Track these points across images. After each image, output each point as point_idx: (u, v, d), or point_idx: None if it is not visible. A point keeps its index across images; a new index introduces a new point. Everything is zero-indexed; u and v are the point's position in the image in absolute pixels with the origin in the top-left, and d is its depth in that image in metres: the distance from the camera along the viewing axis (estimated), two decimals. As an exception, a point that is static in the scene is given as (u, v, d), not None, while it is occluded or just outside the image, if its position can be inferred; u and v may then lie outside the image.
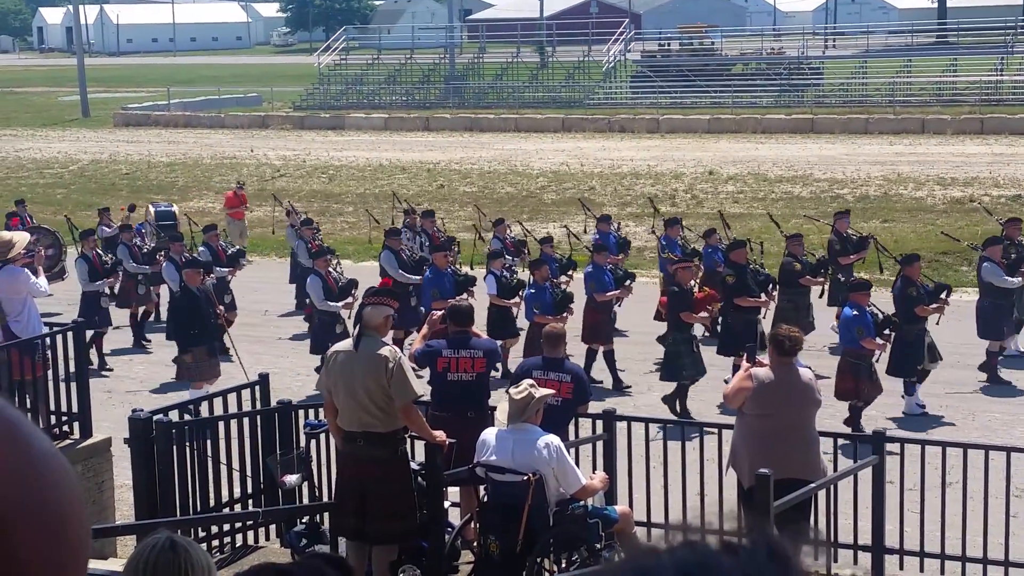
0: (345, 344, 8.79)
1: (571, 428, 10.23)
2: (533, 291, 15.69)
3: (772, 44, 63.67)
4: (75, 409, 11.45)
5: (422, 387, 9.01)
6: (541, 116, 52.98)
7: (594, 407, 10.59)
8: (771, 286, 16.03)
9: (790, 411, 9.15)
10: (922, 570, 9.67)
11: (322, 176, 39.54)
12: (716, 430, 10.31)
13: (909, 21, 74.40)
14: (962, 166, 35.46)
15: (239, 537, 10.19)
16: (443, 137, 50.28)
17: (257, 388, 10.75)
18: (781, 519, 8.34)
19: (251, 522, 10.12)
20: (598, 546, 8.52)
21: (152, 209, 23.73)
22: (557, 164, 39.87)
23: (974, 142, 41.63)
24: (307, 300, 17.72)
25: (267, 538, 10.34)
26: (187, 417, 10.69)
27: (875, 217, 27.47)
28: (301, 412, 10.49)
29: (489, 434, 8.73)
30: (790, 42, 64.10)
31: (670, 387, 15.15)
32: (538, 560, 8.46)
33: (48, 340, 11.59)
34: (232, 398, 10.71)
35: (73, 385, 11.44)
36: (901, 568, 9.72)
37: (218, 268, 18.54)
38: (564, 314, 15.39)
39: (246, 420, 10.30)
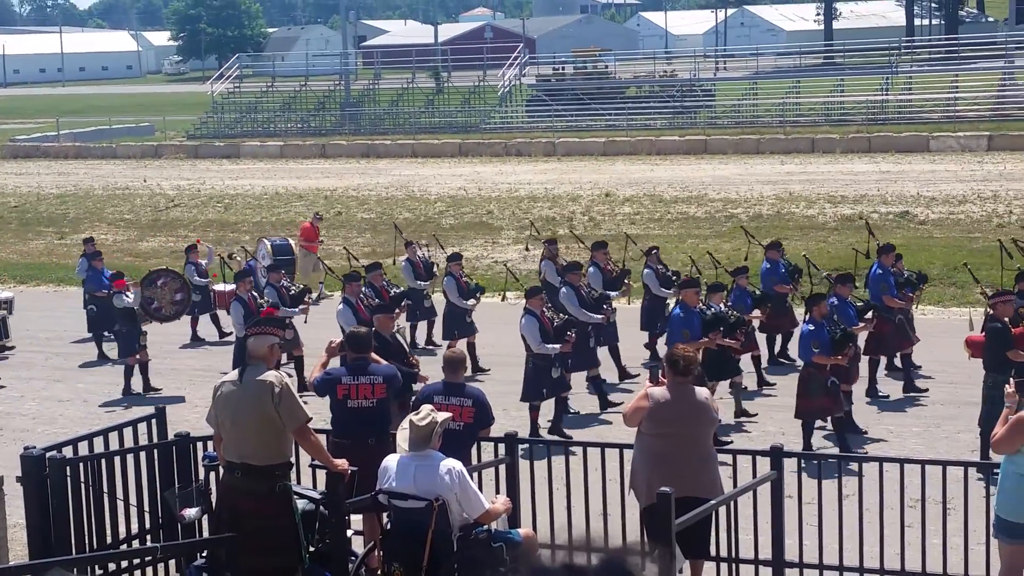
0: (231, 375, 8.74)
1: (473, 452, 10.23)
2: (812, 328, 14.05)
3: (664, 67, 64.59)
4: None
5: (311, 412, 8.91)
6: (438, 141, 53.05)
7: (496, 430, 10.59)
8: None
9: (685, 429, 9.24)
10: (821, 582, 9.82)
11: (217, 205, 39.13)
12: (618, 450, 10.36)
13: (797, 43, 75.92)
14: (851, 184, 36.23)
15: (138, 574, 10.01)
16: (340, 164, 50.09)
17: (154, 421, 10.59)
18: (681, 537, 8.42)
19: (150, 558, 9.95)
20: (502, 570, 8.52)
21: (268, 243, 22.07)
22: (455, 189, 39.95)
23: (862, 160, 42.55)
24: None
25: (167, 574, 10.17)
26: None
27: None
28: (199, 444, 10.34)
29: (391, 460, 8.69)
30: (682, 65, 65.11)
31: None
32: (442, 586, 8.43)
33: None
34: (128, 432, 10.53)
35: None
36: (801, 581, 9.85)
37: None
38: (842, 355, 13.91)
39: (143, 454, 10.14)
